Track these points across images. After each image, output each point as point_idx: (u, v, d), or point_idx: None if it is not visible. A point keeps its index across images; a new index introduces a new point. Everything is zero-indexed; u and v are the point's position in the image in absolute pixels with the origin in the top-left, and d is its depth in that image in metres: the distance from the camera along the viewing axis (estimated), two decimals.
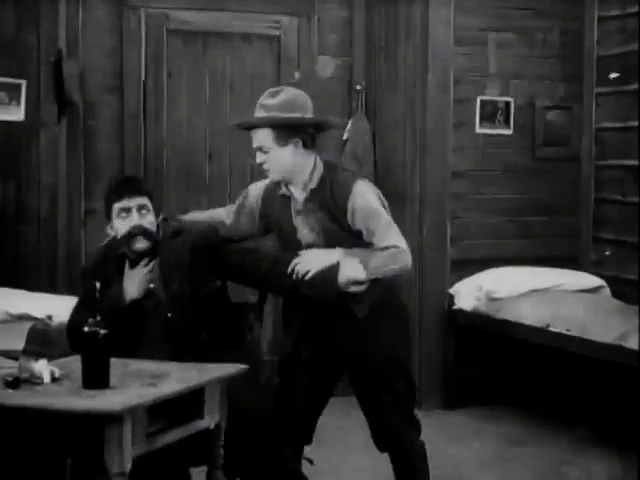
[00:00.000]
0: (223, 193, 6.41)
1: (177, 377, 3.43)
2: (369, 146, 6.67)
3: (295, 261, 3.87)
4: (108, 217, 3.83)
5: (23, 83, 5.82)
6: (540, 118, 6.71)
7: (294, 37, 6.54)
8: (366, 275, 3.80)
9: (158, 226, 3.88)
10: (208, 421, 3.54)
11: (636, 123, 6.20)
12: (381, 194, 3.99)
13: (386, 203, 3.96)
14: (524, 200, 6.68)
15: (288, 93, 3.98)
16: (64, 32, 5.92)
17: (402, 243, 3.86)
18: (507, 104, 6.61)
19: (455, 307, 6.33)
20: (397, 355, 4.03)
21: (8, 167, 5.87)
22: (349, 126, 6.67)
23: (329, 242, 3.89)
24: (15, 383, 3.25)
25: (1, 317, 4.78)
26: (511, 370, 6.41)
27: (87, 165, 6.09)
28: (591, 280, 6.39)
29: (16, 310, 4.80)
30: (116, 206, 3.79)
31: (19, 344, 3.88)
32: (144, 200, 3.82)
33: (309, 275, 3.83)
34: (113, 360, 3.30)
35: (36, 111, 5.87)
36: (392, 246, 3.83)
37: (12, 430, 3.21)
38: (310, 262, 3.85)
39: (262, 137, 3.88)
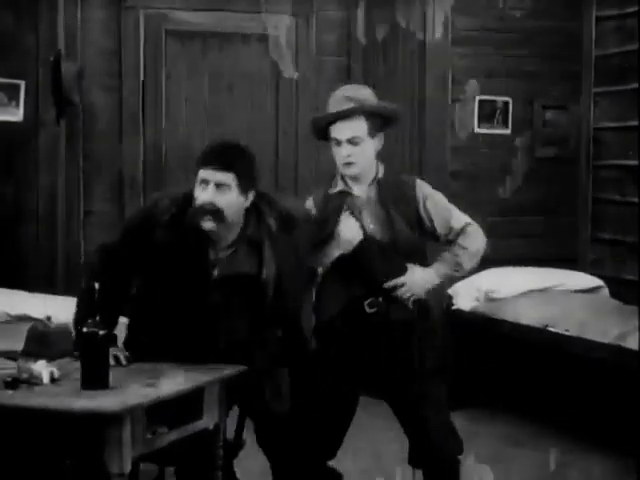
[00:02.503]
0: None
1: (176, 377, 3.43)
2: None
3: (400, 281, 3.84)
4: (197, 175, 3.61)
5: (22, 83, 5.82)
6: (538, 118, 6.71)
7: (292, 37, 6.54)
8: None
9: (249, 208, 3.61)
10: (207, 422, 3.55)
11: (635, 123, 6.20)
12: None
13: None
14: (522, 200, 6.68)
15: (366, 87, 4.06)
16: (63, 33, 5.92)
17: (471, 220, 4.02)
18: (505, 104, 6.61)
19: (454, 307, 6.33)
20: (442, 367, 4.04)
21: (7, 167, 5.87)
22: None
23: (393, 237, 3.85)
24: (14, 384, 3.25)
25: (0, 318, 4.78)
26: (510, 370, 6.40)
27: (86, 165, 6.09)
28: (590, 280, 6.39)
29: (15, 311, 4.80)
30: (199, 173, 3.59)
31: (18, 345, 3.87)
32: (228, 177, 3.53)
33: (412, 299, 3.85)
34: (111, 360, 3.31)
35: (35, 111, 5.87)
36: (468, 223, 4.02)
37: (11, 431, 3.21)
38: (413, 286, 3.85)
39: (357, 127, 3.81)
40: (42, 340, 3.81)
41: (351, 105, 3.84)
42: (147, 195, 6.22)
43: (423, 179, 4.15)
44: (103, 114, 6.12)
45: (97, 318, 3.25)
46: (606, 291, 6.37)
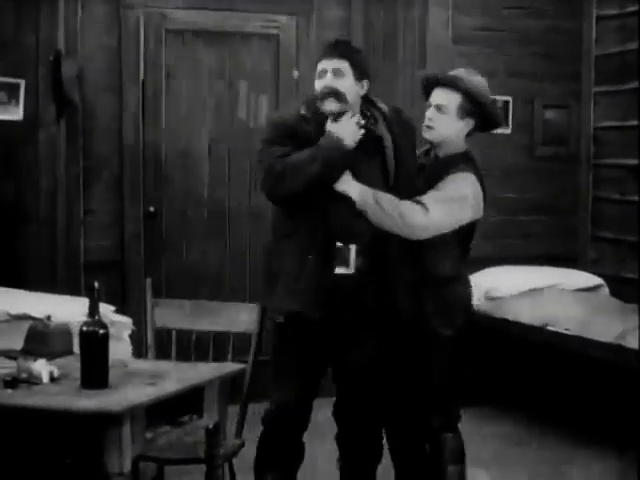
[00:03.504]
0: (222, 191, 6.41)
1: (176, 377, 3.43)
2: None
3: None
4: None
5: (22, 83, 5.81)
6: (539, 117, 6.71)
7: (293, 37, 6.55)
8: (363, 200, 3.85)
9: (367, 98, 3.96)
10: (207, 420, 3.55)
11: (634, 122, 6.20)
12: None
13: None
14: (523, 199, 6.68)
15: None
16: (63, 32, 5.92)
17: (435, 212, 3.93)
18: (506, 103, 6.61)
19: None
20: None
21: (7, 167, 5.86)
22: None
23: None
24: (13, 383, 3.25)
25: (0, 317, 4.78)
26: (510, 369, 6.40)
27: (86, 164, 6.08)
28: (590, 279, 6.39)
29: (15, 310, 4.79)
30: (318, 66, 3.90)
31: (18, 344, 3.87)
32: (342, 63, 3.86)
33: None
34: (111, 360, 3.30)
35: (35, 111, 5.86)
36: (426, 207, 3.92)
37: (11, 430, 3.21)
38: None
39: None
40: (42, 339, 3.81)
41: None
42: (147, 195, 6.22)
43: None
44: (103, 113, 6.11)
45: (97, 318, 3.25)
46: (606, 290, 6.37)
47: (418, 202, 3.91)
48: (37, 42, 5.86)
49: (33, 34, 5.86)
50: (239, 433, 4.03)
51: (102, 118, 6.11)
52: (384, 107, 4.03)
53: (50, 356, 3.57)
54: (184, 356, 4.08)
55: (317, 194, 3.80)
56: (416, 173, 4.09)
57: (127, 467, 3.12)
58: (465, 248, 4.29)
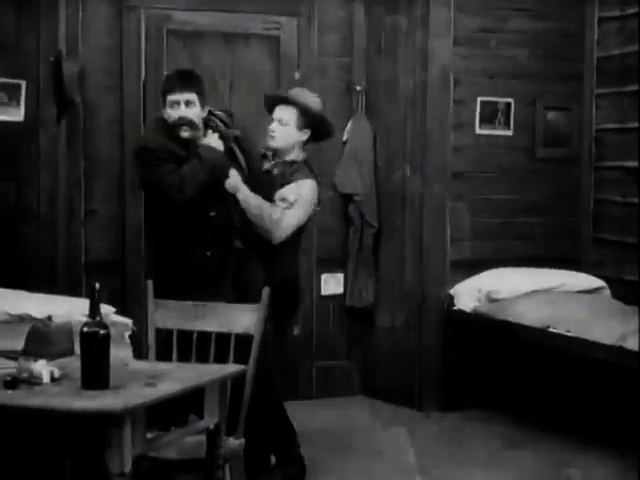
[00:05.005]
0: None
1: (177, 377, 3.43)
2: (369, 146, 6.67)
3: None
4: (163, 103, 4.60)
5: (23, 83, 5.81)
6: (540, 119, 6.71)
7: (294, 37, 6.55)
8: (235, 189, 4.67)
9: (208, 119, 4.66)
10: (208, 421, 3.54)
11: (635, 124, 6.20)
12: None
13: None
14: (524, 201, 6.68)
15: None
16: (64, 32, 5.92)
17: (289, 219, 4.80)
18: (507, 105, 6.61)
19: (455, 308, 6.33)
20: None
21: (8, 167, 5.86)
22: (349, 127, 6.67)
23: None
24: (14, 383, 3.25)
25: (1, 317, 4.77)
26: (511, 371, 6.40)
27: (87, 165, 6.08)
28: (591, 281, 6.39)
29: (16, 310, 4.78)
30: (168, 97, 4.57)
31: (19, 344, 3.87)
32: (192, 95, 4.55)
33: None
34: (113, 360, 3.30)
35: (36, 111, 5.86)
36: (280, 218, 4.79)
37: (11, 431, 3.21)
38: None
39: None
40: (42, 340, 3.81)
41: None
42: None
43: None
44: (104, 114, 6.11)
45: (98, 318, 3.25)
46: (607, 292, 6.37)
47: (278, 209, 4.76)
48: (38, 43, 5.86)
49: (34, 35, 5.86)
50: (239, 434, 4.02)
51: (103, 118, 6.11)
52: (220, 114, 4.78)
53: (51, 357, 3.57)
54: (185, 357, 4.08)
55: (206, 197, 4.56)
56: (262, 172, 4.90)
57: (128, 467, 3.12)
58: (300, 243, 5.13)
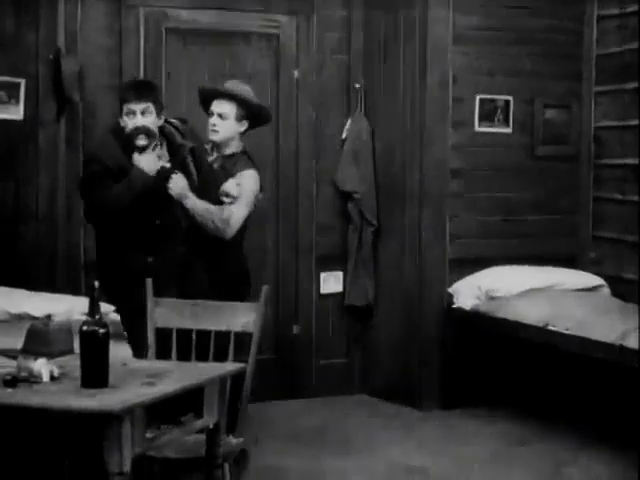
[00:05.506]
0: None
1: (176, 376, 3.43)
2: (368, 144, 6.67)
3: None
4: (120, 111, 4.75)
5: (22, 82, 5.81)
6: (539, 117, 6.70)
7: (293, 36, 6.54)
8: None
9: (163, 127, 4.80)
10: (207, 420, 3.54)
11: (635, 122, 6.20)
12: None
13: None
14: (523, 199, 6.67)
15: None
16: (63, 31, 5.92)
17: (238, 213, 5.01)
18: (506, 102, 6.60)
19: (454, 306, 6.33)
20: None
21: (7, 166, 5.86)
22: (348, 125, 6.67)
23: None
24: (13, 382, 3.24)
25: (0, 316, 4.77)
26: (510, 369, 6.40)
27: None
28: (590, 279, 6.39)
29: (15, 309, 4.79)
30: (124, 106, 4.72)
31: (18, 343, 3.86)
32: (148, 104, 4.69)
33: None
34: (112, 359, 3.30)
35: (35, 110, 5.86)
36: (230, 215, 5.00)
37: (11, 429, 3.20)
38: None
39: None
40: (42, 338, 3.80)
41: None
42: None
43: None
44: (103, 112, 6.09)
45: (97, 317, 3.25)
46: (607, 290, 6.37)
47: (225, 208, 4.96)
48: (37, 41, 5.86)
49: (33, 33, 5.85)
50: (239, 433, 4.02)
51: (102, 117, 6.09)
52: (176, 122, 4.94)
53: (50, 355, 3.56)
54: (184, 356, 4.08)
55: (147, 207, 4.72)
56: (212, 170, 5.09)
57: (127, 466, 3.11)
58: (244, 234, 5.24)
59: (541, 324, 5.71)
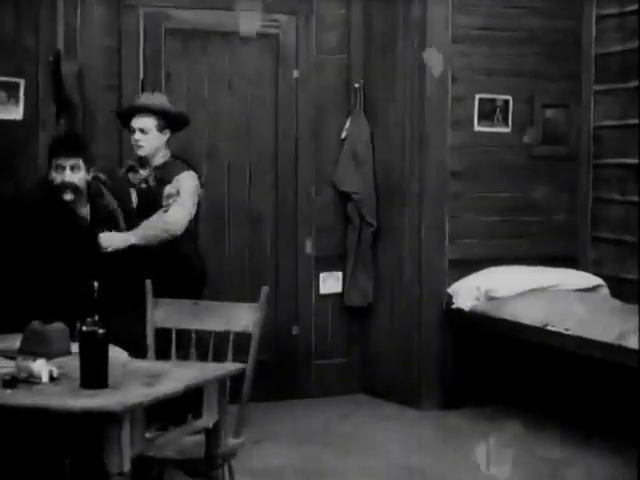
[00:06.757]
0: (222, 191, 6.41)
1: (175, 376, 3.43)
2: (368, 144, 6.67)
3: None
4: (49, 164, 4.84)
5: (22, 82, 5.81)
6: (539, 116, 6.70)
7: (293, 36, 6.54)
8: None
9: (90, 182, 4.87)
10: (207, 420, 3.54)
11: (635, 121, 6.20)
12: None
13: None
14: (522, 199, 6.67)
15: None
16: (62, 31, 5.91)
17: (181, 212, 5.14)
18: (506, 102, 6.61)
19: (454, 306, 6.33)
20: None
21: (6, 166, 5.85)
22: (348, 124, 6.67)
23: None
24: (13, 383, 3.25)
25: None
26: (510, 369, 6.40)
27: None
28: (590, 279, 6.39)
29: None
30: (53, 161, 4.81)
31: (17, 344, 3.86)
32: (77, 160, 4.79)
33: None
34: (111, 360, 3.30)
35: (35, 110, 5.86)
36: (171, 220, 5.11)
37: (10, 430, 3.20)
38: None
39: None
40: (39, 339, 3.80)
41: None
42: None
43: None
44: (103, 113, 6.10)
45: (96, 317, 3.25)
46: (606, 290, 6.37)
47: (163, 213, 5.08)
48: (37, 42, 5.85)
49: (33, 34, 5.85)
50: (239, 433, 4.03)
51: (102, 118, 6.10)
52: (103, 177, 5.07)
53: (48, 356, 3.56)
54: (184, 356, 4.08)
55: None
56: (147, 192, 5.23)
57: (127, 467, 3.12)
58: (197, 234, 5.45)
59: (540, 324, 5.71)
